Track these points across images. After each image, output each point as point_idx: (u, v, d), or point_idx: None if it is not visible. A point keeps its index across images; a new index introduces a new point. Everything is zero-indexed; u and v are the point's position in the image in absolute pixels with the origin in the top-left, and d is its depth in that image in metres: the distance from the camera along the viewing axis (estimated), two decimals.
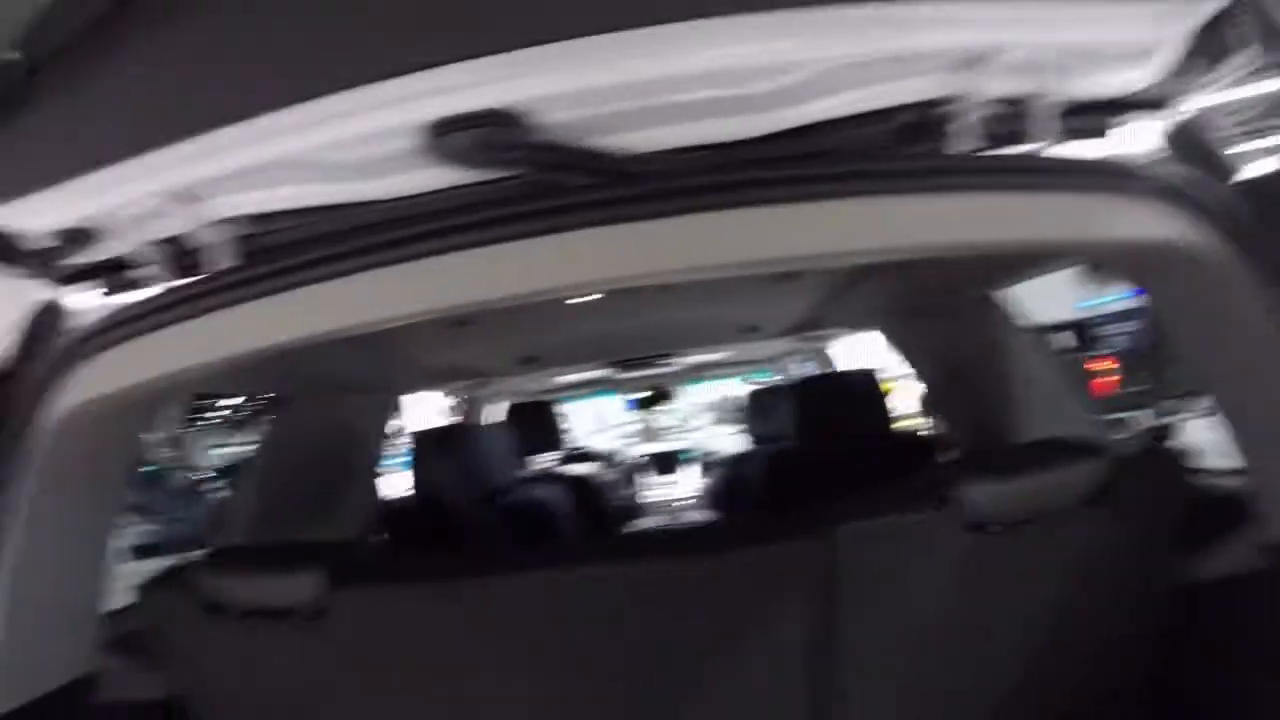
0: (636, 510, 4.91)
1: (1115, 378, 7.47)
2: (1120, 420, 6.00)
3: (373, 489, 2.26)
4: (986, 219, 0.78)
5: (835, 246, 0.79)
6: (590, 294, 0.79)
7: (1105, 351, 7.73)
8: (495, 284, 0.78)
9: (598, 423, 8.07)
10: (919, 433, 2.34)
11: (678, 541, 1.36)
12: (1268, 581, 0.89)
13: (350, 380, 1.28)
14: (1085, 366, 7.29)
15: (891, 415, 2.03)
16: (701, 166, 0.78)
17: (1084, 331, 8.37)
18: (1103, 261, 1.05)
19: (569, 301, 1.53)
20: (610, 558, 1.13)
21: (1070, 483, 0.96)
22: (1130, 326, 10.63)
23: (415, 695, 1.10)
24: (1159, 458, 1.20)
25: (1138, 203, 0.78)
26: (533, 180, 0.78)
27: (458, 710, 1.10)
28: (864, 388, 1.95)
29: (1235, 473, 0.97)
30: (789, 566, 0.99)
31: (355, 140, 0.77)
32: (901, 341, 2.32)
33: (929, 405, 2.42)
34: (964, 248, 0.85)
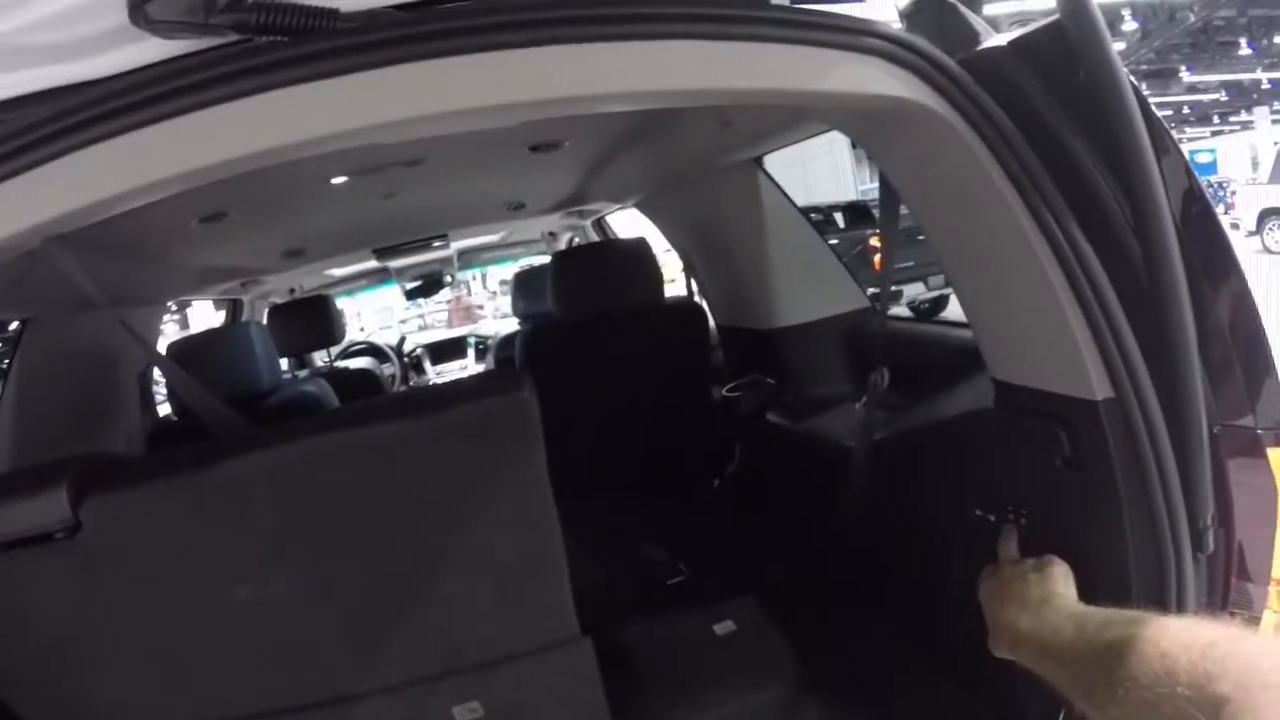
0: None
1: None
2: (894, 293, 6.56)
3: (145, 407, 2.10)
4: (719, 66, 0.78)
5: (550, 93, 0.76)
6: (324, 147, 0.76)
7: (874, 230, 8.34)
8: (221, 148, 0.74)
9: (389, 316, 7.88)
10: (691, 301, 2.37)
11: (398, 407, 1.34)
12: (999, 409, 1.03)
13: (103, 293, 1.16)
14: (867, 245, 7.83)
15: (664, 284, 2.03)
16: (409, 19, 0.76)
17: (861, 211, 9.07)
18: (835, 119, 1.09)
19: (332, 182, 1.46)
20: (325, 429, 1.13)
21: None
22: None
23: (179, 595, 1.09)
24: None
25: (864, 59, 0.81)
26: (248, 45, 0.75)
27: (219, 601, 1.10)
28: (627, 256, 1.94)
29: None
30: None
31: (54, 19, 0.69)
32: (660, 214, 2.35)
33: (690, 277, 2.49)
34: (699, 95, 0.84)
